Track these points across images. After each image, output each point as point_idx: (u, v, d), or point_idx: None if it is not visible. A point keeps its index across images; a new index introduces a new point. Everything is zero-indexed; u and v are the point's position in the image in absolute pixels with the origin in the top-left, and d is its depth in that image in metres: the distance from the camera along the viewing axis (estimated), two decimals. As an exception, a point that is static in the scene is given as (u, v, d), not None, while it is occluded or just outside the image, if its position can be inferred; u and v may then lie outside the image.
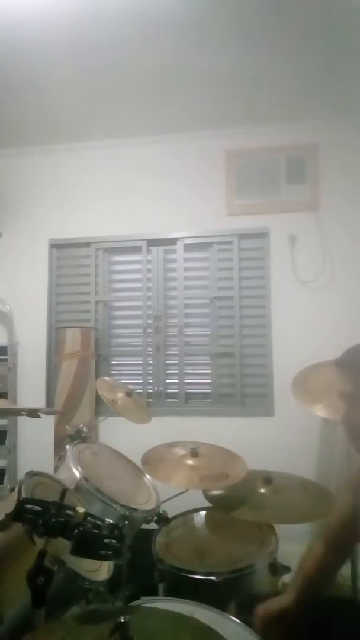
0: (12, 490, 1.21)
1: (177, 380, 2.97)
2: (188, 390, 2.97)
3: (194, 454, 1.78)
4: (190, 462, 1.76)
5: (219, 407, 2.89)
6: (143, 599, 1.16)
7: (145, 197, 3.03)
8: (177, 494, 1.76)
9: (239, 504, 1.67)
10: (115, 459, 1.85)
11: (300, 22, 2.03)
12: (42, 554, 0.94)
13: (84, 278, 3.13)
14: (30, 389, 3.04)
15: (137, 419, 2.18)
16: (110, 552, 0.97)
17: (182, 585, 1.48)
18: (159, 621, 1.00)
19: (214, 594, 1.24)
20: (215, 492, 1.78)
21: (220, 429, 2.60)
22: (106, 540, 0.97)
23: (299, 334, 2.76)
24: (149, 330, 3.02)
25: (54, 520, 0.95)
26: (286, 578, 1.66)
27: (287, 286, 2.83)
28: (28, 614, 0.97)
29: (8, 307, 3.07)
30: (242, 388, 2.88)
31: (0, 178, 3.18)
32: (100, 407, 2.83)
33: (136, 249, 3.08)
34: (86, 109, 2.73)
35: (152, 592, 1.49)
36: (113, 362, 3.10)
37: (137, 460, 1.83)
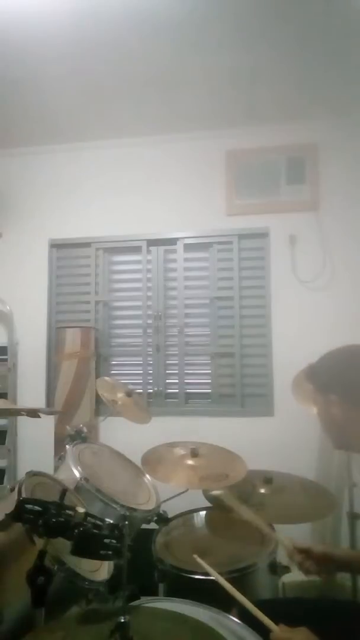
0: (12, 490, 1.21)
1: (177, 380, 2.97)
2: (188, 390, 2.96)
3: (194, 454, 1.79)
4: (190, 462, 1.76)
5: (219, 407, 2.89)
6: (143, 599, 1.16)
7: (145, 197, 3.03)
8: (177, 494, 1.77)
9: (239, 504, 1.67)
10: (115, 459, 1.86)
11: (300, 22, 2.03)
12: (42, 554, 0.94)
13: (84, 278, 3.12)
14: (30, 389, 3.04)
15: (137, 419, 2.18)
16: (110, 552, 0.97)
17: (182, 585, 1.49)
18: (159, 621, 1.00)
19: (214, 594, 1.23)
20: (215, 492, 1.78)
21: (220, 429, 2.61)
22: (106, 540, 0.97)
23: (299, 334, 2.76)
24: (149, 330, 3.02)
25: (54, 520, 0.95)
26: (286, 578, 1.67)
27: (287, 286, 2.82)
28: (28, 614, 0.97)
29: (8, 307, 3.07)
30: (242, 388, 2.88)
31: (0, 178, 3.18)
32: (100, 407, 2.83)
33: (136, 249, 3.08)
34: (86, 109, 2.73)
35: (152, 592, 1.49)
36: (113, 362, 3.10)
37: (137, 460, 1.83)
